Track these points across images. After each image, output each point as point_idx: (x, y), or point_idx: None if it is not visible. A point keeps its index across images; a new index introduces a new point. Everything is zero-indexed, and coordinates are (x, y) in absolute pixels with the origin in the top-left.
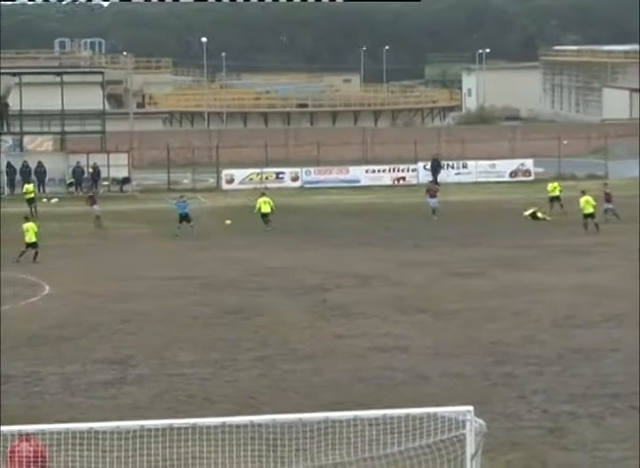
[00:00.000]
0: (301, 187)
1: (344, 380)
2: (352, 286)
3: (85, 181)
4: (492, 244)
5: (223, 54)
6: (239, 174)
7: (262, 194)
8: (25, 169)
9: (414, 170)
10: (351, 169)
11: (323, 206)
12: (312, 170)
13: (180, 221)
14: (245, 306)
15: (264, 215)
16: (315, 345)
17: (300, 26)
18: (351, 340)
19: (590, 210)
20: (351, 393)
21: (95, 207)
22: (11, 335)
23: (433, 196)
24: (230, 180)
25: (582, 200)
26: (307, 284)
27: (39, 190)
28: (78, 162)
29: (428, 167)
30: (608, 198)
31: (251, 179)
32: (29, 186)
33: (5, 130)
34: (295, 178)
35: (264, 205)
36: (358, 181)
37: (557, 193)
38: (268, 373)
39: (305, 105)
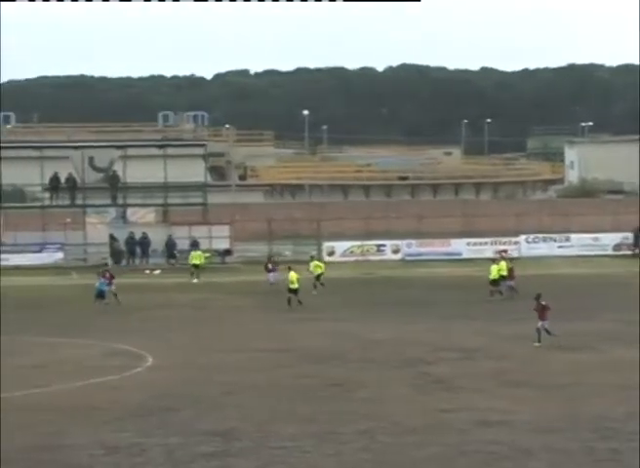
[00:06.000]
0: (403, 260)
1: (447, 454)
2: (455, 359)
3: (181, 253)
4: (597, 318)
5: (325, 126)
6: (340, 246)
7: (289, 268)
8: (131, 240)
9: (516, 242)
10: (453, 241)
11: (424, 278)
12: (414, 242)
13: (97, 298)
14: (348, 379)
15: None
16: (418, 419)
17: (403, 99)
18: (454, 414)
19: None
20: (454, 467)
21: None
22: (117, 406)
23: (272, 270)
24: (331, 253)
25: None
26: (410, 357)
27: (142, 261)
28: (170, 235)
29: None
30: (511, 275)
31: (352, 252)
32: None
33: (112, 202)
34: (396, 251)
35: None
36: (460, 254)
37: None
38: (370, 447)
39: (406, 178)
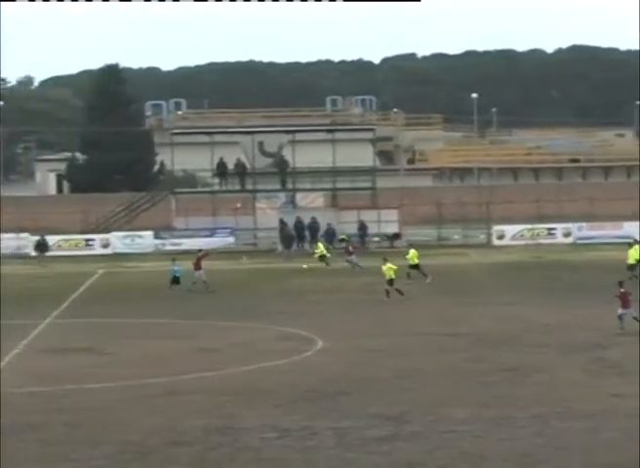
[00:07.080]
0: (574, 243)
1: (622, 440)
2: (630, 343)
3: (354, 237)
4: None
5: (494, 109)
6: (510, 229)
7: (385, 259)
8: (299, 224)
9: None
10: (625, 224)
11: (595, 262)
12: (585, 225)
13: (172, 283)
14: (520, 363)
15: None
16: (592, 404)
17: (573, 80)
18: (629, 400)
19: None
20: (630, 454)
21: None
22: (287, 389)
23: (351, 253)
24: (501, 236)
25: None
26: (583, 341)
27: (311, 246)
28: (329, 224)
29: None
30: None
31: (522, 235)
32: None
33: (282, 187)
34: (567, 234)
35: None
36: (632, 237)
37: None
38: (544, 432)
39: (577, 160)
